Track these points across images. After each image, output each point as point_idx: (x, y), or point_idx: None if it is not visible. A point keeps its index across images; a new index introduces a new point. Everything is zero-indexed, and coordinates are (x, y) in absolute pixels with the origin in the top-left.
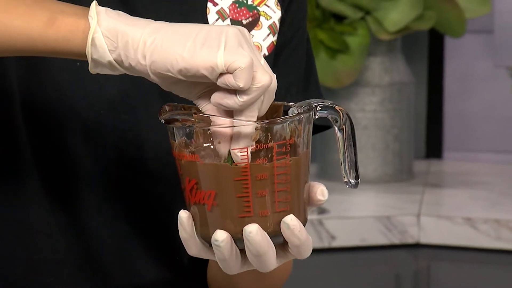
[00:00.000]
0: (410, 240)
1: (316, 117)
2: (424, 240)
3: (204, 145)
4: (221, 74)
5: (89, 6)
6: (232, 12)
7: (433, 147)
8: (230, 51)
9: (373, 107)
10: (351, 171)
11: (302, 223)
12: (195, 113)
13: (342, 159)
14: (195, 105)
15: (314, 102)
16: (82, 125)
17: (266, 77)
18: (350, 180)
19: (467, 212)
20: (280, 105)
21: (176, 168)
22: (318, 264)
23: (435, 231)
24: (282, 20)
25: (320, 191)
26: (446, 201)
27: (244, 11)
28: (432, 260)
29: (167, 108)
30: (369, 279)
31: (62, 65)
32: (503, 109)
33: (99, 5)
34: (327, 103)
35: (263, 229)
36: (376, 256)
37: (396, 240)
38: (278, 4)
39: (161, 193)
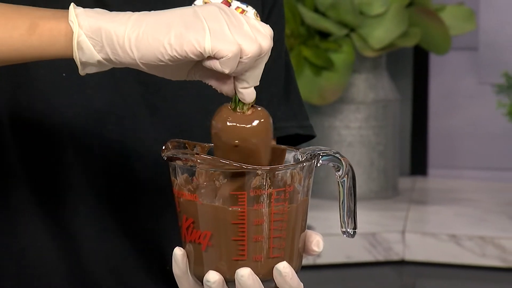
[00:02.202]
0: (395, 257)
1: (319, 165)
2: (409, 257)
3: (204, 185)
4: (208, 57)
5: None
6: None
7: (418, 164)
8: (216, 36)
9: (358, 124)
10: (350, 221)
11: (295, 269)
12: (197, 154)
13: (341, 208)
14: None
15: (317, 150)
16: (70, 135)
17: (253, 47)
18: (348, 230)
19: (452, 229)
20: (284, 149)
21: (165, 179)
22: (303, 281)
23: (420, 248)
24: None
25: (316, 242)
26: (431, 218)
27: None
28: (417, 277)
29: (170, 146)
30: None
31: (47, 76)
32: (488, 125)
33: (77, 4)
34: (331, 151)
35: (255, 273)
36: (361, 273)
37: (381, 257)
38: (258, 16)
39: (150, 203)
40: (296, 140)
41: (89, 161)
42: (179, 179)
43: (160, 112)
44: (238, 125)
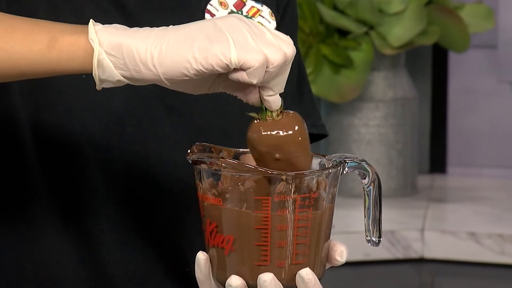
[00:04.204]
0: (414, 255)
1: (345, 172)
2: (428, 255)
3: (229, 189)
4: (234, 69)
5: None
6: None
7: (437, 162)
8: (240, 47)
9: (377, 122)
10: (374, 229)
11: (318, 277)
12: (222, 158)
13: (366, 216)
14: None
15: (344, 157)
16: (90, 138)
17: (278, 55)
18: (373, 238)
19: (471, 227)
20: (310, 156)
21: (184, 181)
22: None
23: (439, 246)
24: (276, 30)
25: (340, 252)
26: (450, 216)
27: None
28: (436, 275)
29: (195, 149)
30: None
31: (66, 79)
32: (506, 124)
33: (106, 21)
34: (358, 159)
35: (278, 278)
36: (380, 271)
37: (400, 255)
38: (273, 15)
39: (169, 205)
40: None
41: (109, 163)
42: (204, 183)
43: (178, 113)
44: (271, 133)
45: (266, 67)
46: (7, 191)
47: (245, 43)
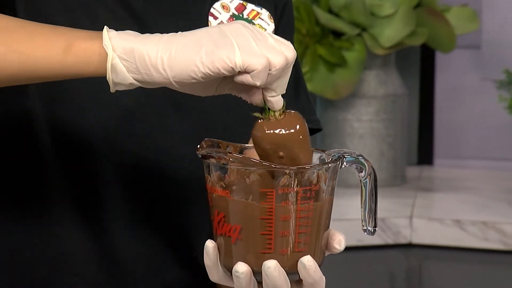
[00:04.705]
0: (403, 241)
1: (343, 166)
2: (416, 240)
3: (235, 182)
4: (239, 72)
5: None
6: None
7: (425, 154)
8: (245, 51)
9: (369, 117)
10: (370, 219)
11: (318, 264)
12: (230, 153)
13: (362, 207)
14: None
15: (342, 152)
16: (102, 133)
17: (280, 59)
18: (369, 228)
19: (456, 215)
20: (311, 151)
21: (190, 172)
22: None
23: (426, 232)
24: (275, 32)
25: (338, 241)
26: (436, 204)
27: None
28: (424, 259)
29: (204, 144)
30: (365, 277)
31: (81, 78)
32: (490, 118)
33: (117, 23)
34: (355, 154)
35: (281, 265)
36: (371, 256)
37: (390, 241)
38: (271, 17)
39: (177, 195)
40: None
41: (120, 156)
42: (212, 176)
43: (183, 108)
44: (274, 131)
45: (269, 70)
46: (25, 182)
47: (249, 48)
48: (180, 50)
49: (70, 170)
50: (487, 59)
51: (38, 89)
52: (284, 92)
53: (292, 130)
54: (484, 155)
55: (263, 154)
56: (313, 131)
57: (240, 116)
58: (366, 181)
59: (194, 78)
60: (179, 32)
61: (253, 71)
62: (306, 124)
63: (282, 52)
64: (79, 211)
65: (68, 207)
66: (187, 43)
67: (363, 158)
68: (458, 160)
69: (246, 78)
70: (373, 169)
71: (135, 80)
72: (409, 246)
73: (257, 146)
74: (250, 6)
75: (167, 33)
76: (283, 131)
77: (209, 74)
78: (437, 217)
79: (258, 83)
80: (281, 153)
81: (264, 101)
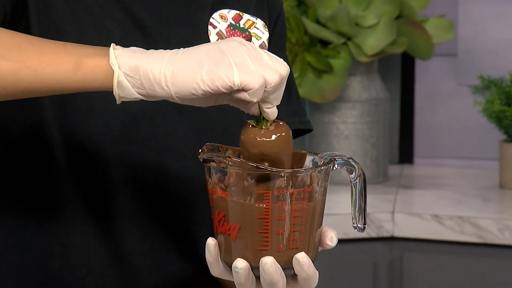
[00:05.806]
0: (385, 234)
1: (334, 168)
2: (398, 234)
3: (234, 184)
4: (237, 89)
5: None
6: (228, 34)
7: (405, 154)
8: (242, 70)
9: (354, 119)
10: (360, 217)
11: (311, 259)
12: (229, 157)
13: (352, 206)
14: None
15: (334, 155)
16: (110, 135)
17: (275, 76)
18: (359, 225)
19: (435, 210)
20: (305, 154)
21: (192, 171)
22: None
23: (407, 226)
24: (269, 40)
25: (330, 237)
26: (416, 200)
27: (238, 33)
28: (405, 251)
29: (205, 149)
30: (350, 267)
31: None
32: (465, 121)
33: (122, 32)
34: (346, 157)
35: (277, 261)
36: (356, 248)
37: (373, 234)
38: (266, 26)
39: (179, 192)
40: (296, 133)
41: (127, 157)
42: (213, 178)
43: (185, 111)
44: (265, 139)
45: (265, 87)
46: (39, 183)
47: (246, 67)
48: (182, 67)
49: (80, 171)
50: (463, 66)
51: (50, 97)
52: (279, 103)
53: (279, 139)
54: (460, 154)
55: (248, 157)
56: (304, 131)
57: (237, 118)
58: (356, 182)
59: (194, 95)
60: (181, 49)
61: (250, 90)
62: (291, 134)
63: (277, 70)
64: (89, 208)
65: (78, 205)
66: (189, 61)
67: (353, 160)
68: (436, 159)
69: (243, 95)
70: (363, 171)
71: (140, 94)
72: (391, 239)
73: (245, 150)
74: (246, 16)
75: (170, 40)
76: (271, 140)
77: (208, 91)
78: (417, 212)
79: (254, 100)
80: (265, 157)
81: (260, 111)
